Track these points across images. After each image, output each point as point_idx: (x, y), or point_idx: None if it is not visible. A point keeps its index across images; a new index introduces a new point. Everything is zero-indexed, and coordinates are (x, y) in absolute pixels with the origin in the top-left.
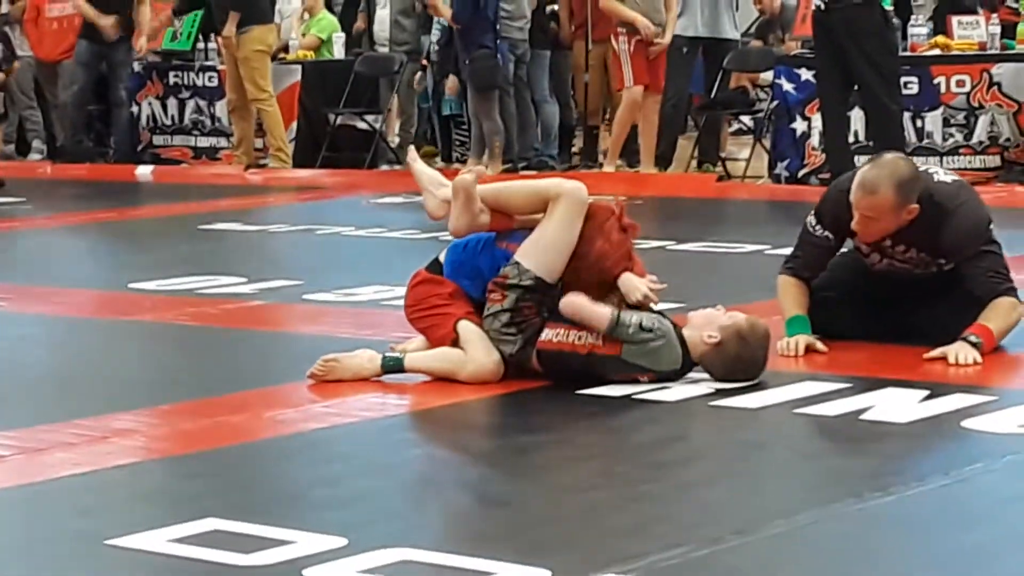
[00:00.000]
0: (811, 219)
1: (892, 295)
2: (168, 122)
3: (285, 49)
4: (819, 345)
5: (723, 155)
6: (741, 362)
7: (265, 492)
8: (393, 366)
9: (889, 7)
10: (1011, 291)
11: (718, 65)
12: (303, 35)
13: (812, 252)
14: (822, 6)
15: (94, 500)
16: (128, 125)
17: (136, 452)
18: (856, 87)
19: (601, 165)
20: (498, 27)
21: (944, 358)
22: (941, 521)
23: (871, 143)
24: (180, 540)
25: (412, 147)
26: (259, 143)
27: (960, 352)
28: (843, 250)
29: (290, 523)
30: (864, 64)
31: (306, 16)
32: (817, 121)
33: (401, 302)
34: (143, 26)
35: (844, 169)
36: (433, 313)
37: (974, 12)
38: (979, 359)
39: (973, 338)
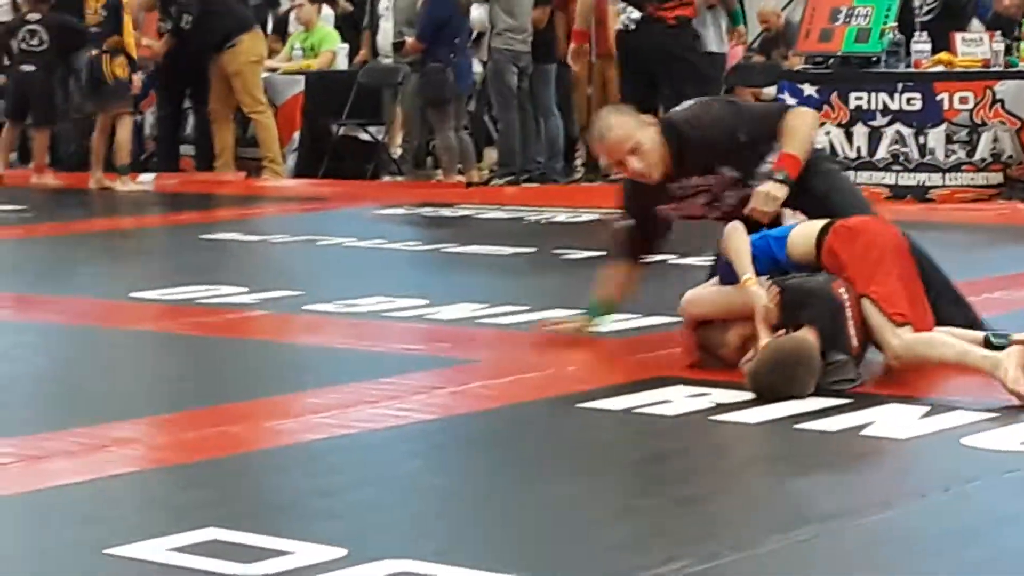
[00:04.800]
0: (616, 213)
1: None
2: None
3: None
4: (575, 326)
5: None
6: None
7: (265, 502)
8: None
9: (893, 23)
10: (787, 108)
11: None
12: (310, 49)
13: (626, 242)
14: (632, 26)
15: (94, 509)
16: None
17: (136, 461)
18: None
19: (606, 177)
20: (458, 42)
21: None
22: (941, 538)
23: None
24: (180, 549)
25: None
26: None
27: (763, 195)
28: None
29: (290, 533)
30: (670, 85)
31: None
32: (820, 136)
33: (402, 313)
34: None
35: None
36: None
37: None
38: (780, 195)
39: (780, 175)
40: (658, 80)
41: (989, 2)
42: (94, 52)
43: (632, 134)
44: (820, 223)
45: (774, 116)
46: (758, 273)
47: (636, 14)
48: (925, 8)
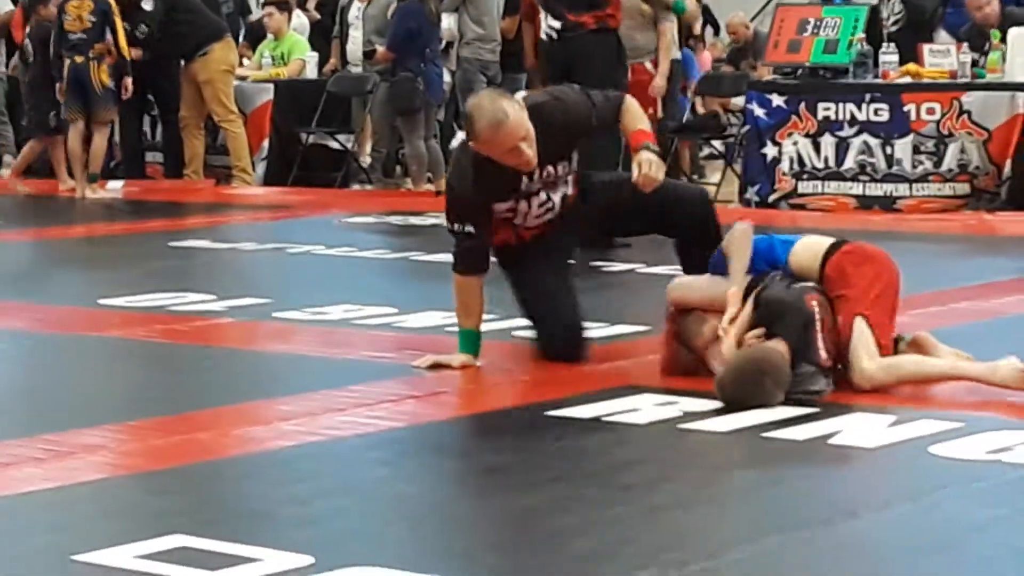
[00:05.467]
0: (450, 226)
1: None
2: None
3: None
4: (456, 363)
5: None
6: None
7: (233, 509)
8: None
9: (861, 35)
10: (623, 97)
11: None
12: (280, 57)
13: (469, 250)
14: (554, 36)
15: (61, 515)
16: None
17: (104, 468)
18: None
19: None
20: (428, 52)
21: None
22: (907, 547)
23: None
24: (147, 556)
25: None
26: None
27: (651, 163)
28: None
29: (257, 540)
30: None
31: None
32: (788, 146)
33: (371, 321)
34: None
35: None
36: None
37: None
38: (661, 162)
39: (651, 145)
40: (577, 82)
41: (958, 16)
42: (79, 59)
43: (523, 120)
44: (828, 241)
45: (615, 102)
46: (752, 271)
47: (556, 23)
48: (892, 19)
